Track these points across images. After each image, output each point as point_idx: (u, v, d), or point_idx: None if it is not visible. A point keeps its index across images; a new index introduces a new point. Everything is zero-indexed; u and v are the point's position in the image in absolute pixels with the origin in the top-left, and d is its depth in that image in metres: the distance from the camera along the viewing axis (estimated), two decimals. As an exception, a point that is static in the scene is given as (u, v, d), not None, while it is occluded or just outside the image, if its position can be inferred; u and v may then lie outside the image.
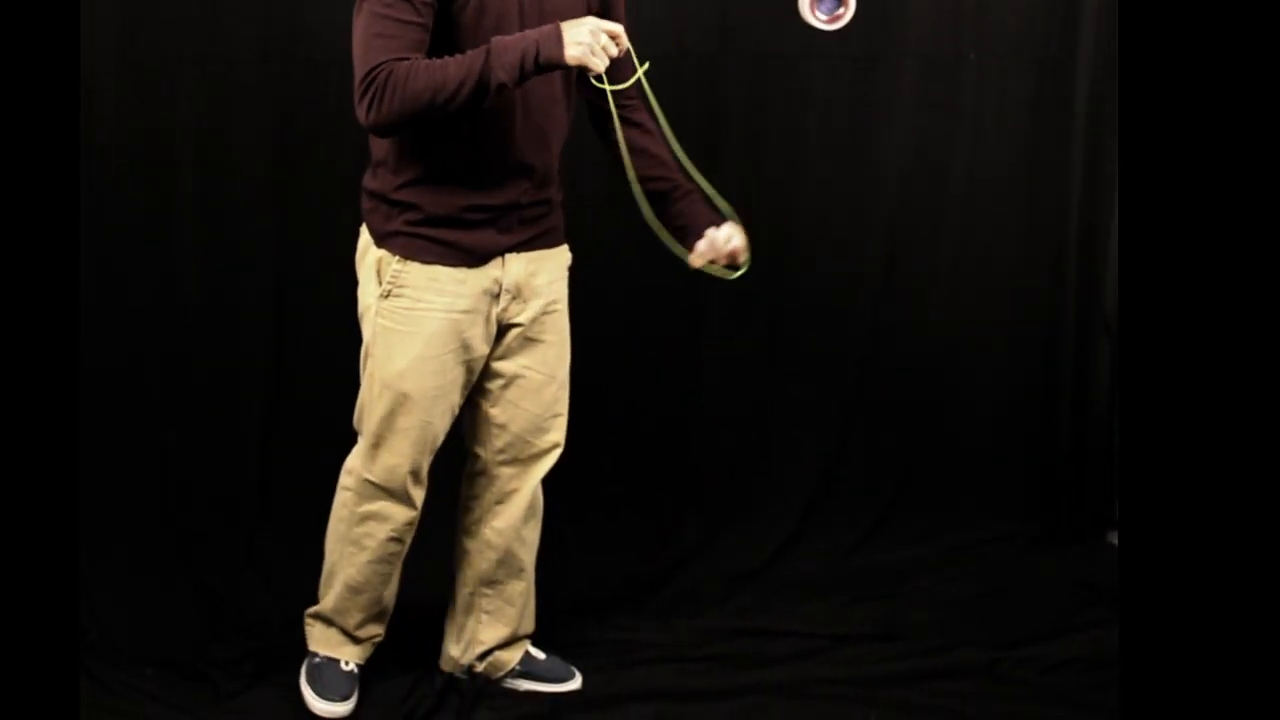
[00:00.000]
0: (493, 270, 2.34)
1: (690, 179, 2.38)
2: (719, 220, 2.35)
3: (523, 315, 2.40)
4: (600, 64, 2.14)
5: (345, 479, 2.46)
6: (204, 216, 2.98)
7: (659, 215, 2.33)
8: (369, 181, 2.34)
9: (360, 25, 2.14)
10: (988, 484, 3.32)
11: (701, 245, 2.32)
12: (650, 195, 2.33)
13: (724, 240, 2.32)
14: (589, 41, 2.12)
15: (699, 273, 2.34)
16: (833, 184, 3.17)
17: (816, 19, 2.19)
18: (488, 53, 2.11)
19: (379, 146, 2.29)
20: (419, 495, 2.44)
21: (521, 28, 2.19)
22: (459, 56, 2.13)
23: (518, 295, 2.38)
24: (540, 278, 2.40)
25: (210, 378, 3.05)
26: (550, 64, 2.13)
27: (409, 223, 2.29)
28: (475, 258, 2.32)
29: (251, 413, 3.08)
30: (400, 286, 2.31)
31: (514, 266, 2.36)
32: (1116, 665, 1.92)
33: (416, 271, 2.30)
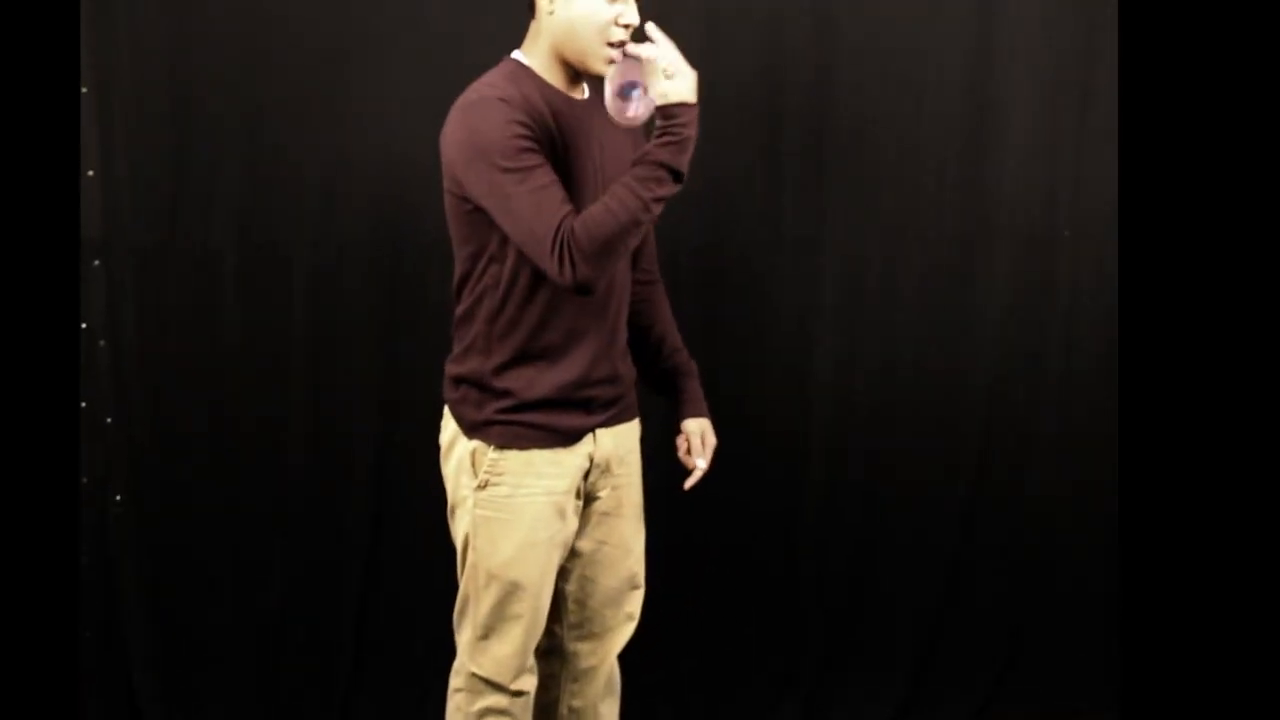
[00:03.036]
0: (585, 447, 2.32)
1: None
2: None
3: (605, 489, 2.39)
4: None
5: (455, 680, 2.38)
6: (310, 411, 3.08)
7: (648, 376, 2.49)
8: (455, 367, 2.31)
9: (510, 209, 2.11)
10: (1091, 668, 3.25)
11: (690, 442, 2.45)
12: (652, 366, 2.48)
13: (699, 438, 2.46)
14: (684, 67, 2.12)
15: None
16: (930, 355, 3.18)
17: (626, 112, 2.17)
18: (654, 163, 2.10)
19: (466, 330, 2.29)
20: (529, 684, 2.36)
21: (583, 204, 2.18)
22: (622, 182, 2.11)
23: (606, 470, 2.37)
24: (621, 449, 2.39)
25: (311, 562, 3.12)
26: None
27: (502, 410, 2.26)
28: (570, 438, 2.30)
29: (347, 604, 3.14)
30: (498, 475, 2.27)
31: (604, 441, 2.35)
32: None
33: (513, 459, 2.26)
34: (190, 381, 3.02)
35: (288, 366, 3.05)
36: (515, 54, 2.28)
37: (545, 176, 2.11)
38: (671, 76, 2.11)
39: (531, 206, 2.09)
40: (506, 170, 2.10)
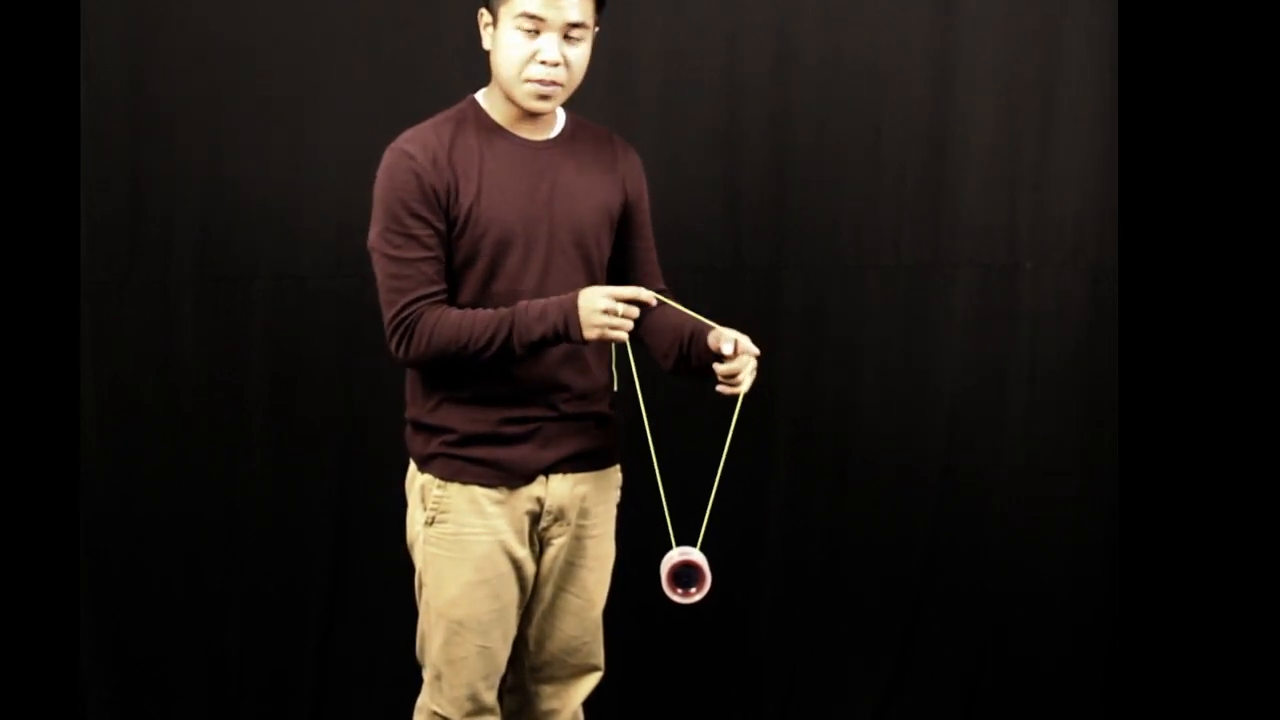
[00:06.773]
0: (535, 490, 2.30)
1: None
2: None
3: (564, 537, 2.34)
4: (623, 335, 2.15)
5: (417, 718, 2.38)
6: (271, 444, 3.07)
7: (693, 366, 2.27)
8: (408, 408, 2.34)
9: (379, 270, 2.21)
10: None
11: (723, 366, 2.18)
12: (683, 356, 2.29)
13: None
14: (605, 321, 2.12)
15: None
16: (891, 391, 3.18)
17: (674, 594, 2.22)
18: (512, 320, 2.16)
19: (409, 372, 2.32)
20: None
21: (525, 246, 2.22)
22: (486, 314, 2.17)
23: (560, 517, 2.33)
24: (587, 501, 2.35)
25: (270, 600, 3.10)
26: (571, 342, 2.17)
27: (446, 444, 2.27)
28: (516, 477, 2.27)
29: (309, 638, 3.12)
30: (443, 512, 2.27)
31: (558, 487, 2.31)
32: None
33: (457, 495, 2.26)
34: (148, 415, 3.01)
35: (248, 399, 3.03)
36: (479, 92, 2.31)
37: (417, 250, 2.17)
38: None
39: (391, 277, 2.19)
40: (387, 230, 2.19)
